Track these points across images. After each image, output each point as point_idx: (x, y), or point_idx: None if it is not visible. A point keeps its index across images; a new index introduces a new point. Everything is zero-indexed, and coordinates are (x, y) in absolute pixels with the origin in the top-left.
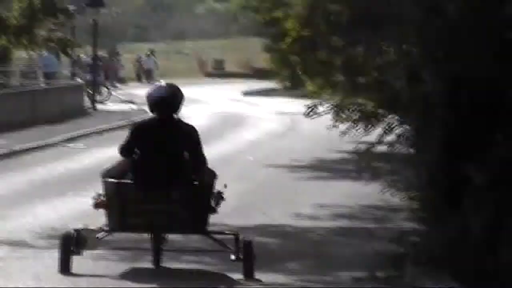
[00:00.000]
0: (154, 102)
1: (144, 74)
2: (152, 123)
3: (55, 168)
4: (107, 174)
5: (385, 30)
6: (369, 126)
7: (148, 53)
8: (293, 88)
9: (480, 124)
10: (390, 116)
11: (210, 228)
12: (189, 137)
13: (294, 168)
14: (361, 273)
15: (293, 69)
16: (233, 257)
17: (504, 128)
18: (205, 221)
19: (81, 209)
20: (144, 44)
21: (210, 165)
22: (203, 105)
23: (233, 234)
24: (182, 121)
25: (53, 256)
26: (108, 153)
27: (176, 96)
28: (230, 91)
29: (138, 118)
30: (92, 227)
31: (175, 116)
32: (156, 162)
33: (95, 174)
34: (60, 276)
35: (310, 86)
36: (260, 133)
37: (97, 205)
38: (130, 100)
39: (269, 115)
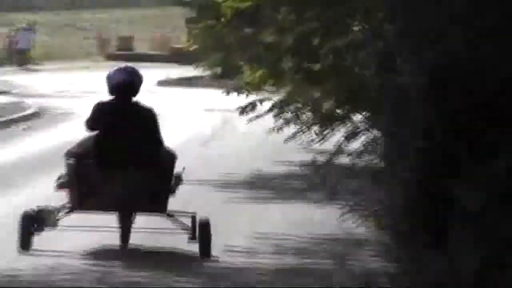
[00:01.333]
0: (115, 85)
1: (16, 56)
2: (112, 105)
3: None
4: (69, 154)
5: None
6: (325, 129)
7: (25, 26)
8: (225, 77)
9: (473, 127)
10: (353, 116)
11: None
12: (147, 119)
13: (225, 185)
14: None
15: (226, 51)
16: (189, 237)
17: (506, 131)
18: (165, 201)
19: None
20: (24, 15)
21: None
22: (104, 96)
23: (191, 215)
24: (140, 103)
25: None
26: None
27: (135, 80)
28: None
29: (15, 114)
30: (52, 206)
31: (133, 98)
32: (116, 143)
33: None
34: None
35: (248, 75)
36: (180, 138)
37: (60, 186)
38: (1, 90)
39: (193, 113)
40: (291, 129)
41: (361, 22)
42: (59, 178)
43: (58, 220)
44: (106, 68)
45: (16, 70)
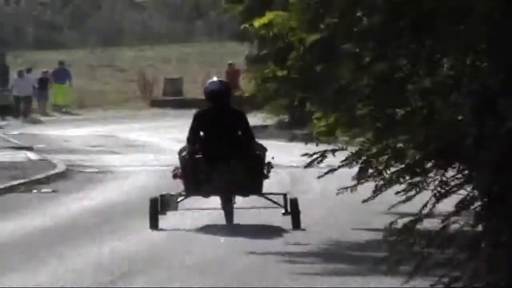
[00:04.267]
0: (210, 94)
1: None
2: (211, 110)
3: None
4: (182, 151)
5: (439, 33)
6: (411, 187)
7: (57, 68)
8: (295, 126)
9: None
10: (444, 171)
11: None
12: (240, 120)
13: (291, 256)
14: None
15: (294, 95)
16: (283, 211)
17: None
18: (261, 185)
19: None
20: (50, 54)
21: None
22: (148, 153)
23: (282, 194)
24: (232, 107)
25: None
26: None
27: (226, 90)
28: None
29: (41, 174)
30: (173, 193)
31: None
32: (218, 140)
33: None
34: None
35: (320, 122)
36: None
37: (175, 176)
38: (26, 145)
39: None
40: (371, 187)
41: (454, 58)
42: (174, 170)
43: (177, 203)
44: (150, 118)
45: (43, 120)
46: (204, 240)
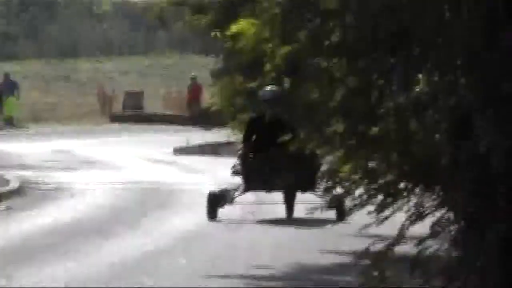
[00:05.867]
0: (263, 100)
1: None
2: (263, 116)
3: None
4: (239, 150)
5: (415, 47)
6: (383, 208)
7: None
8: None
9: None
10: (419, 192)
11: None
12: (288, 123)
13: (261, 279)
14: None
15: (263, 109)
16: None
17: None
18: (315, 182)
19: None
20: (6, 65)
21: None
22: (106, 170)
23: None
24: (278, 114)
25: None
26: None
27: (276, 97)
28: (152, 147)
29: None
30: (230, 187)
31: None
32: (270, 142)
33: None
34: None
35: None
36: (202, 220)
37: (234, 173)
38: None
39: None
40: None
41: (430, 74)
42: (233, 166)
43: (234, 197)
44: (109, 133)
45: None
46: (163, 264)
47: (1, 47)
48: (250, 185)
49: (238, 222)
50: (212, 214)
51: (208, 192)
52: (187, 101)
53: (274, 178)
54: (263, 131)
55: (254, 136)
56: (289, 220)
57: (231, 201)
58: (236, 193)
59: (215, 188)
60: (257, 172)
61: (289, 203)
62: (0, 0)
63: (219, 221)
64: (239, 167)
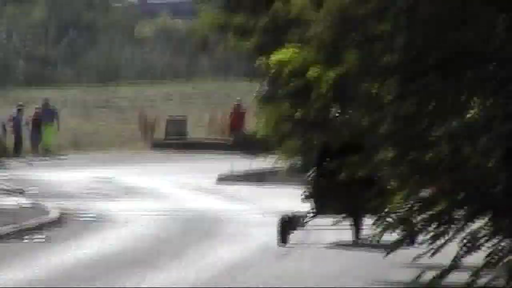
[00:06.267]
0: None
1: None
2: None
3: None
4: (309, 176)
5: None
6: (437, 237)
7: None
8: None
9: None
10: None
11: None
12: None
13: None
14: None
15: (310, 137)
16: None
17: None
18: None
19: None
20: (41, 91)
21: None
22: (148, 199)
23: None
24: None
25: None
26: None
27: None
28: (195, 175)
29: (30, 221)
30: (300, 213)
31: None
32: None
33: None
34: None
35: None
36: (248, 250)
37: (305, 198)
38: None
39: (262, 218)
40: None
41: (484, 98)
42: (304, 191)
43: (306, 222)
44: (151, 161)
45: (34, 163)
46: None
47: (40, 73)
48: (321, 209)
49: (286, 251)
50: (283, 239)
51: (280, 216)
52: (230, 126)
53: (345, 203)
54: (334, 155)
55: (325, 161)
56: (355, 243)
57: (302, 225)
58: (307, 218)
59: (286, 213)
60: (328, 197)
61: (357, 226)
62: (39, 25)
63: (266, 250)
64: (310, 191)
